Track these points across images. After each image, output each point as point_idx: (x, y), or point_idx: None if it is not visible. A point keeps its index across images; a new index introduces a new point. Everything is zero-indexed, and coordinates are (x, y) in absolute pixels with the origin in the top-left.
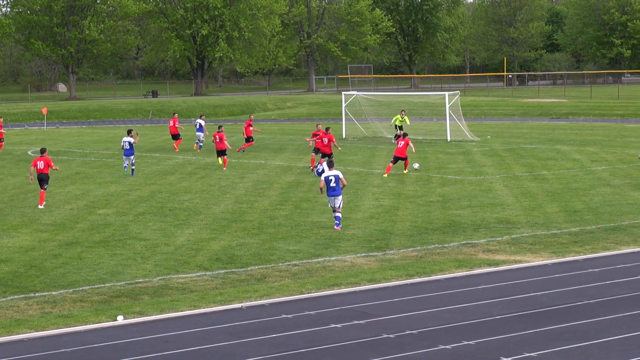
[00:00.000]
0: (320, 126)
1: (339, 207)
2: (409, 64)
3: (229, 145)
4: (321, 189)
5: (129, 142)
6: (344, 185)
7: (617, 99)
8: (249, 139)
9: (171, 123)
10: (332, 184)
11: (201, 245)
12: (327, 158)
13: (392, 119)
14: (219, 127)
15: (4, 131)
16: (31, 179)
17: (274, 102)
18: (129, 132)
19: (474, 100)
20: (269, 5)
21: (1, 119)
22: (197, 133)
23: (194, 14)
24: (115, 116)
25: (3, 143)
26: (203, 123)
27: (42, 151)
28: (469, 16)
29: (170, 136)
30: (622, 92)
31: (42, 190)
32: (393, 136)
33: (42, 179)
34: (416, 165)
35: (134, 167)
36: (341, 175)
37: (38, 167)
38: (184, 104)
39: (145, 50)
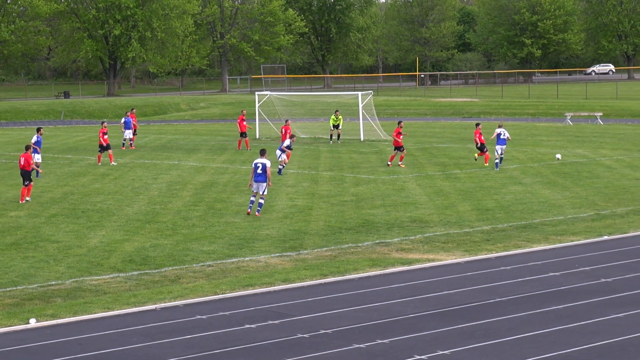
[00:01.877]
0: (289, 120)
1: (263, 193)
2: (322, 64)
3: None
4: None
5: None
6: (269, 179)
7: (527, 98)
8: (243, 135)
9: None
10: (259, 170)
11: (114, 246)
12: (397, 150)
13: (309, 119)
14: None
15: None
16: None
17: (187, 102)
18: (38, 130)
19: (387, 100)
20: (181, 6)
21: None
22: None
23: (106, 14)
24: (27, 117)
25: None
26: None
27: (27, 148)
28: (381, 16)
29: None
30: (533, 92)
31: (23, 187)
32: (329, 136)
33: (23, 175)
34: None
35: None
36: (268, 165)
37: (20, 163)
38: (97, 105)
39: (57, 51)
